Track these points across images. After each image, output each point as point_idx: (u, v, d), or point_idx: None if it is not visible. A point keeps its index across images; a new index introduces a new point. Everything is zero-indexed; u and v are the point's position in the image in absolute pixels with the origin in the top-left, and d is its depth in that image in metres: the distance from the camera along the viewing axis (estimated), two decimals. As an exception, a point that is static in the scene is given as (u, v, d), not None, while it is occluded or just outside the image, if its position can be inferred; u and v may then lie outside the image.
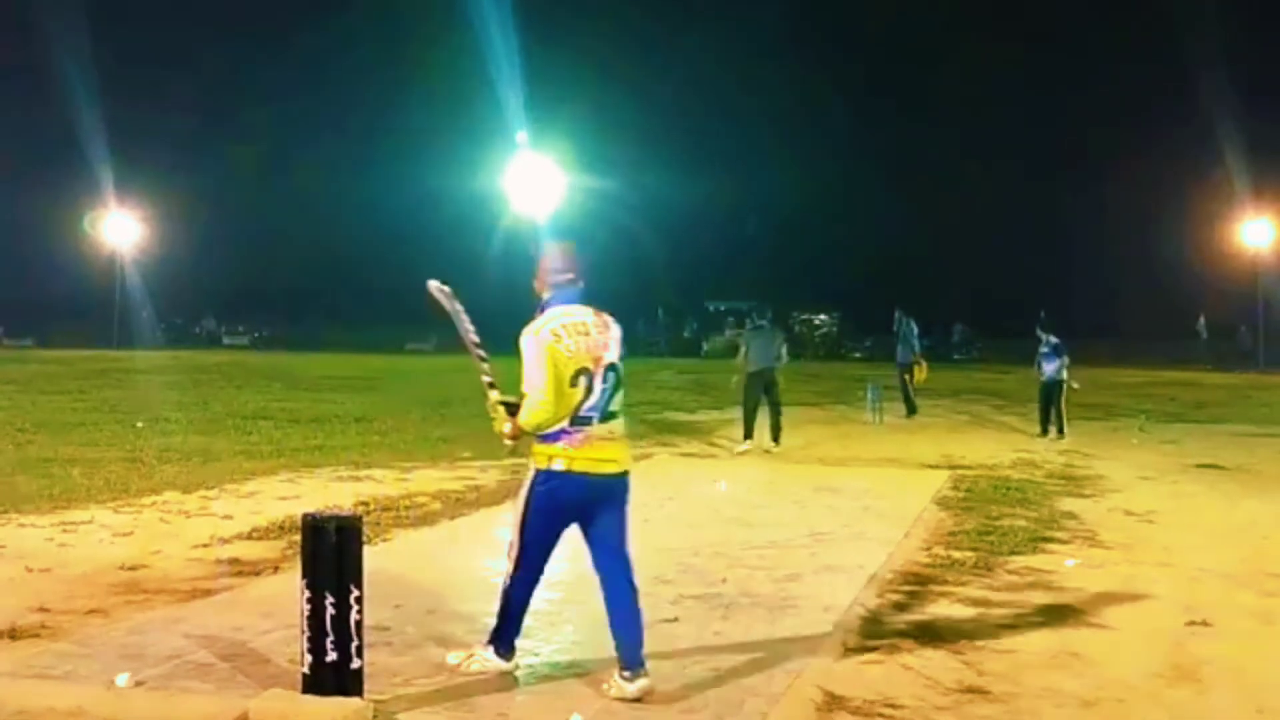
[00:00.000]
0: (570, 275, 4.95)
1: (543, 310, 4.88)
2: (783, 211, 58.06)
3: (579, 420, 4.73)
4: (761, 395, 14.16)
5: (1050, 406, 16.14)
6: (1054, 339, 16.47)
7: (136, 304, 52.98)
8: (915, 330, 19.89)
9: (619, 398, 4.86)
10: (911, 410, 19.00)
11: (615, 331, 4.90)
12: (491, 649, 4.98)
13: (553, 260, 4.96)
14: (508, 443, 4.83)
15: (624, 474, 4.87)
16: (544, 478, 4.77)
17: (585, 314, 4.87)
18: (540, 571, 4.96)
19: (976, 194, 57.31)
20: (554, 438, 4.73)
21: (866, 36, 64.76)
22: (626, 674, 4.70)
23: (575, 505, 4.81)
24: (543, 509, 4.79)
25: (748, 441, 13.98)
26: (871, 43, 64.69)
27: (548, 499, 4.77)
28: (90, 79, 48.91)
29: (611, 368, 4.82)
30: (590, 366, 4.75)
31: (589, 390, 4.74)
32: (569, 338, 4.75)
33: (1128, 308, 45.97)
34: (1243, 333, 43.73)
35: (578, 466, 4.73)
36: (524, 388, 4.71)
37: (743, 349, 14.74)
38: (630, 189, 50.76)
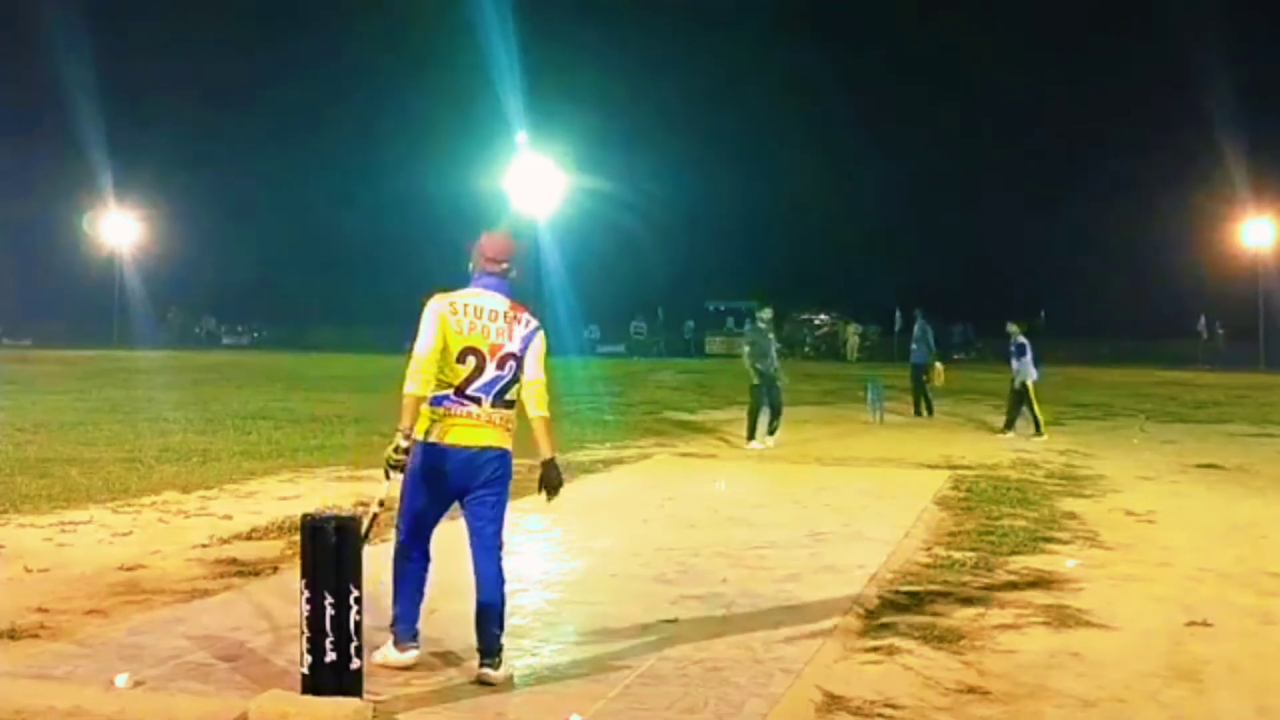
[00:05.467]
0: (504, 265, 5.05)
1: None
2: (783, 211, 58.04)
3: (467, 397, 4.85)
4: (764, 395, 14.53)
5: (1019, 405, 16.29)
6: (1020, 338, 16.49)
7: (144, 304, 52.95)
8: (931, 333, 20.07)
9: (519, 390, 4.96)
10: (929, 410, 19.15)
11: (526, 331, 4.97)
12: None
13: (488, 247, 5.07)
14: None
15: (488, 449, 4.89)
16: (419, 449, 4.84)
17: (499, 303, 4.97)
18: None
19: (976, 194, 57.33)
20: (435, 402, 4.84)
21: (867, 36, 64.74)
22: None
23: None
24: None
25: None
26: (872, 43, 64.67)
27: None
28: (89, 78, 48.92)
29: (513, 359, 4.92)
30: (483, 349, 4.87)
31: (478, 370, 4.86)
32: (465, 316, 4.88)
33: (1128, 308, 45.93)
34: (1203, 324, 42.89)
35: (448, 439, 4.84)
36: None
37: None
38: (630, 189, 50.78)
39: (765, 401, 14.43)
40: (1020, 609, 6.33)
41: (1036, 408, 16.14)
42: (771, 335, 14.80)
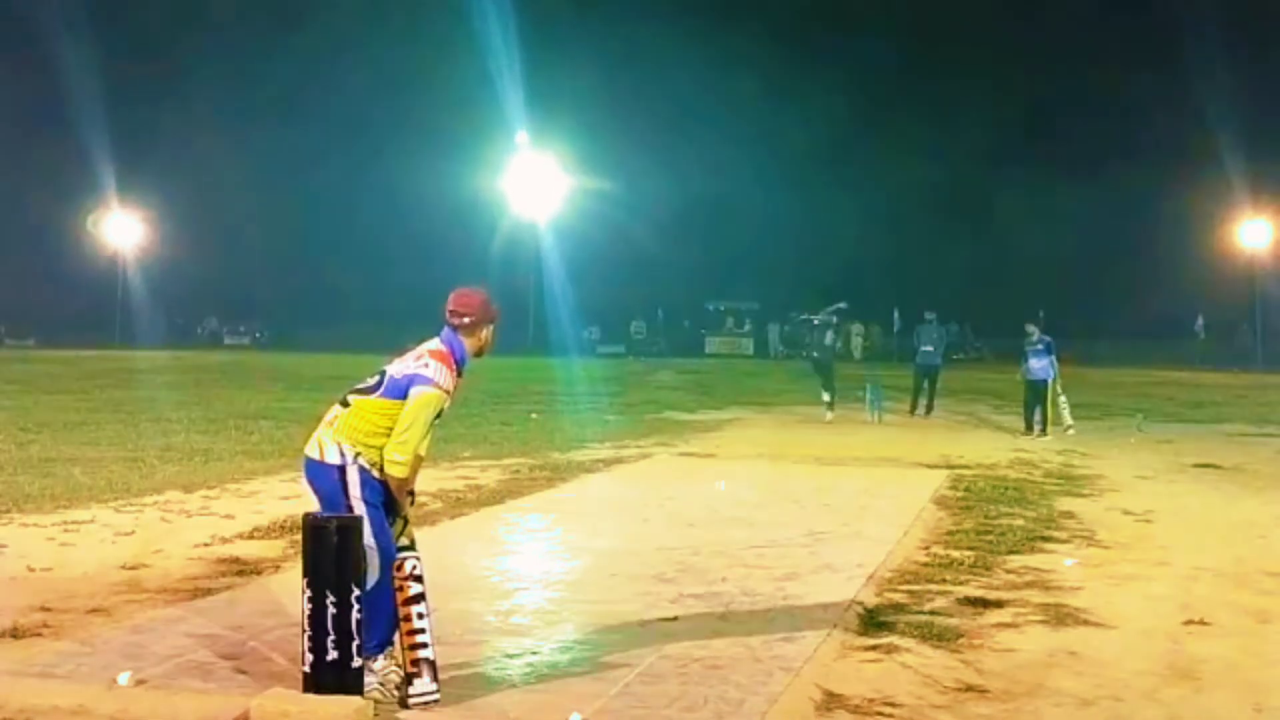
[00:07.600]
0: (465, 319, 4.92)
1: (461, 362, 4.88)
2: (783, 211, 58.07)
3: None
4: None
5: (1037, 404, 16.43)
6: (1045, 336, 16.89)
7: (143, 304, 53.05)
8: (934, 334, 20.08)
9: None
10: (928, 410, 19.19)
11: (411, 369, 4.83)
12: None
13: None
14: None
15: None
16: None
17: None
18: None
19: (974, 194, 57.33)
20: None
21: (863, 37, 64.68)
22: None
23: None
24: None
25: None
26: (868, 43, 64.60)
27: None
28: (93, 79, 48.96)
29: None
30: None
31: None
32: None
33: (1126, 308, 45.97)
34: (1243, 330, 43.59)
35: None
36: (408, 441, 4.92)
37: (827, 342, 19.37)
38: (630, 189, 50.81)
39: (822, 381, 18.38)
40: (1018, 608, 6.36)
41: (1051, 409, 16.40)
42: (825, 333, 19.16)
